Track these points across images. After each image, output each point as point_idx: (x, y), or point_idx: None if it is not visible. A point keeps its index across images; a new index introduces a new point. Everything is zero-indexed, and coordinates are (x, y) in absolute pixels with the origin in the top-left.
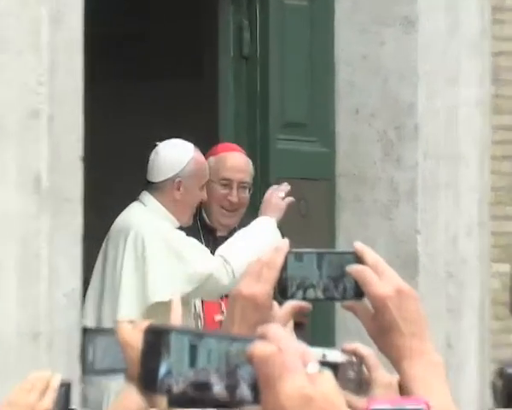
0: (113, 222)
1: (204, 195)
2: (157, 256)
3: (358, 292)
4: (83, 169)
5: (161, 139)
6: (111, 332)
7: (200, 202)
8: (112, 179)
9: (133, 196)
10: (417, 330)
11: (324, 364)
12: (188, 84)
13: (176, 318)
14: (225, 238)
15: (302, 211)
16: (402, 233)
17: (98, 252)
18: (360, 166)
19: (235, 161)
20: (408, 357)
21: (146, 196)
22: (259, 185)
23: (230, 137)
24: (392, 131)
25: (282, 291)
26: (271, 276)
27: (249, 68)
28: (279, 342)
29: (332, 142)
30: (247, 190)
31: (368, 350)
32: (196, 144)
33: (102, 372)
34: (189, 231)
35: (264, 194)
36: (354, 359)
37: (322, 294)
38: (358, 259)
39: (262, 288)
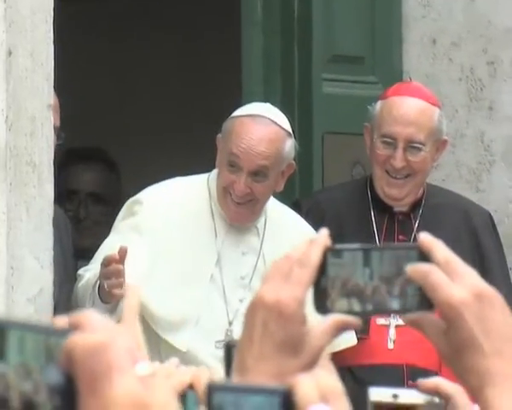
0: None
1: (227, 179)
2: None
3: (424, 301)
4: None
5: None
6: None
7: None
8: None
9: None
10: (504, 347)
11: (398, 408)
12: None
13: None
14: (406, 215)
15: (356, 178)
16: (496, 209)
17: None
18: None
19: (404, 109)
20: (491, 383)
21: None
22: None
23: (257, 78)
24: (481, 67)
25: (319, 301)
26: (305, 277)
27: None
28: (101, 333)
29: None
30: (422, 152)
31: (454, 387)
32: (212, 92)
33: None
34: (354, 208)
35: (304, 157)
36: (437, 399)
37: (372, 305)
38: (423, 256)
39: (291, 293)
